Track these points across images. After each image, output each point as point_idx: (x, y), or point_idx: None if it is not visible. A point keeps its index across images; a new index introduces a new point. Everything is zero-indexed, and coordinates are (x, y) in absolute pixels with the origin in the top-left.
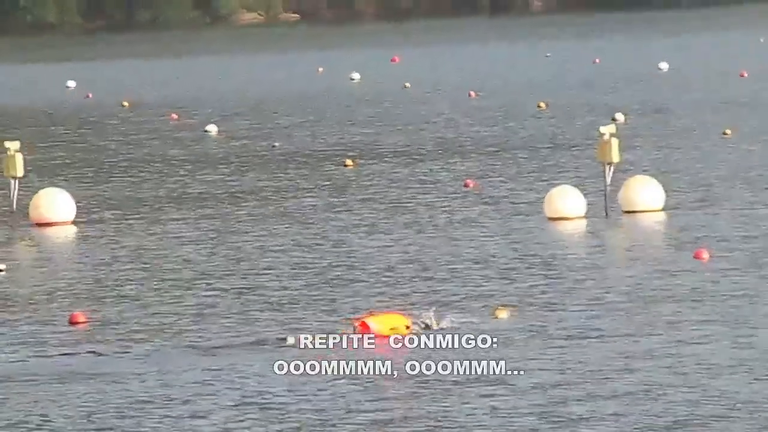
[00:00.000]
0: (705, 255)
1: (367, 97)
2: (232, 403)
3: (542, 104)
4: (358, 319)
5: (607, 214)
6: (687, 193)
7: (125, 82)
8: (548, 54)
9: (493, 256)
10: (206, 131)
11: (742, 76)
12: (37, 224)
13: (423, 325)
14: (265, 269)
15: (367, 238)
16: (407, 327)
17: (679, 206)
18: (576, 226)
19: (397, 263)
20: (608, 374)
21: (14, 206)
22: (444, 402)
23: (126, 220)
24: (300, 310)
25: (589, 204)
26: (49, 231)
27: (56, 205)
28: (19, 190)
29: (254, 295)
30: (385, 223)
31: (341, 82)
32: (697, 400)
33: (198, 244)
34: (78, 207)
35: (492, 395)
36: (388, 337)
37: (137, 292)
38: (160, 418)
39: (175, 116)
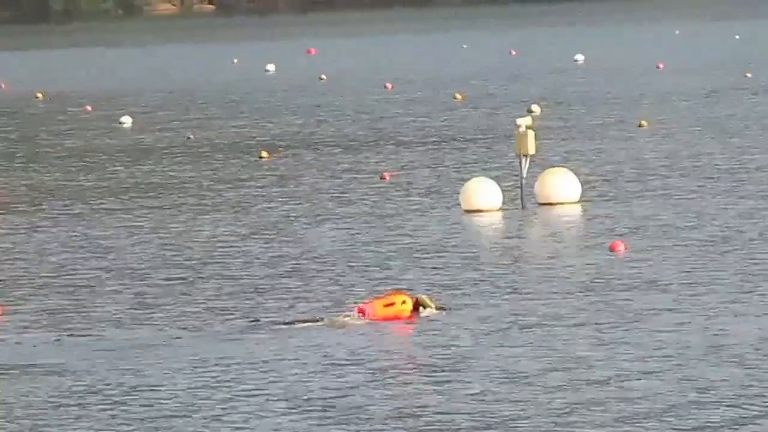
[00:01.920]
0: (621, 247)
1: (283, 88)
2: (190, 387)
3: (458, 96)
4: (359, 307)
5: (523, 206)
6: (603, 184)
7: (39, 73)
8: (465, 45)
9: (420, 248)
10: (121, 123)
11: (658, 68)
12: None
13: (423, 306)
14: (215, 259)
15: (311, 227)
16: (404, 302)
17: (596, 198)
18: (493, 219)
19: (353, 254)
20: (588, 361)
21: None
22: (411, 388)
23: (65, 210)
24: (256, 299)
25: (505, 196)
26: None
27: None
28: None
29: (209, 284)
30: (319, 213)
31: (257, 74)
32: (673, 387)
33: (144, 234)
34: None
35: (470, 382)
36: (385, 317)
37: (86, 282)
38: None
39: (89, 108)
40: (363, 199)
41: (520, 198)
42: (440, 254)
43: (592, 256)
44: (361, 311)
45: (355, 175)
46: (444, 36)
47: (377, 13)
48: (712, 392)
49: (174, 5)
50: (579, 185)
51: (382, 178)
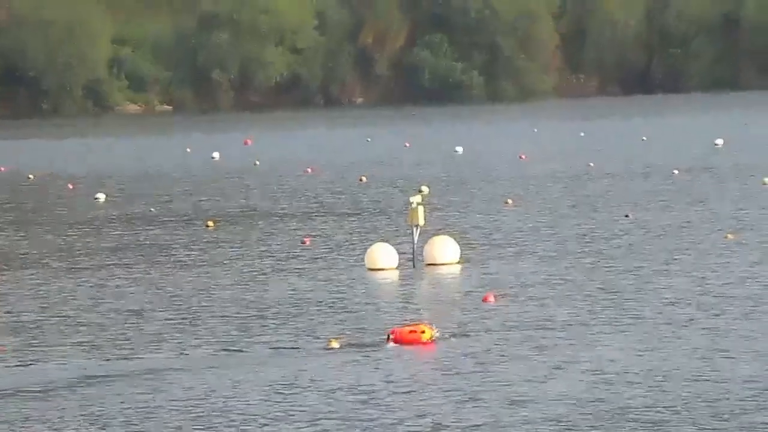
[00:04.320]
0: (491, 299)
1: (226, 171)
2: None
3: (363, 178)
4: (392, 330)
5: (414, 266)
6: (478, 248)
7: (31, 158)
8: (368, 139)
9: (328, 299)
10: (96, 198)
11: (521, 158)
12: None
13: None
14: (210, 301)
15: (274, 279)
16: (423, 332)
17: (472, 259)
18: (391, 276)
19: (311, 300)
20: (517, 382)
21: None
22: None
23: (76, 265)
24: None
25: (400, 258)
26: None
27: None
28: None
29: (210, 322)
30: (270, 270)
31: (205, 160)
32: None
33: (147, 283)
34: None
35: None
36: (411, 341)
37: (107, 320)
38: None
39: (71, 186)
40: (291, 258)
41: (412, 259)
42: (347, 303)
43: (479, 305)
44: (394, 333)
45: (284, 240)
46: (352, 131)
47: (299, 113)
48: (628, 374)
49: (139, 106)
50: (458, 249)
51: (302, 242)
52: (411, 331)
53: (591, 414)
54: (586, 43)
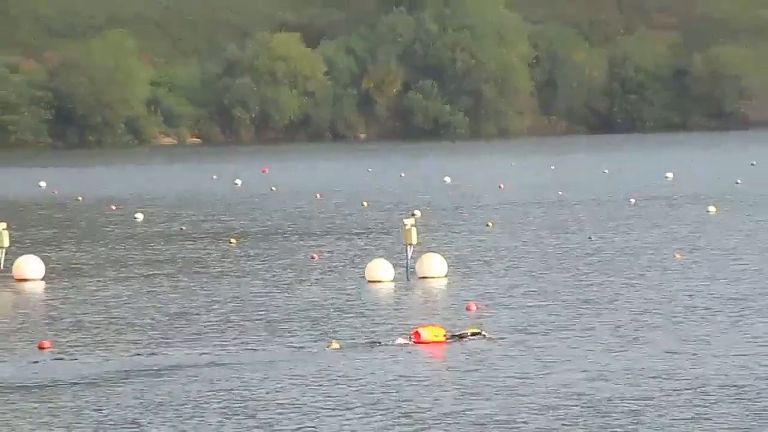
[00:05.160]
0: (473, 307)
1: (245, 196)
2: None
3: (365, 203)
4: (414, 330)
5: (408, 279)
6: (463, 264)
7: (79, 183)
8: (370, 169)
9: (340, 306)
10: (135, 217)
11: (500, 187)
12: (18, 280)
13: (457, 335)
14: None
15: (290, 289)
16: (444, 335)
17: (458, 273)
18: (388, 287)
19: (331, 307)
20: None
21: (1, 266)
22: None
23: (124, 274)
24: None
25: (396, 272)
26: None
27: (31, 266)
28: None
29: (248, 322)
30: (289, 280)
31: (228, 186)
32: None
33: (191, 289)
34: (75, 267)
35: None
36: (433, 342)
37: (158, 322)
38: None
39: (113, 207)
40: (304, 271)
41: (406, 273)
42: (352, 310)
43: (464, 313)
44: (417, 334)
45: (298, 255)
46: (356, 162)
47: (310, 147)
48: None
49: (172, 138)
50: (446, 264)
51: (312, 258)
52: (436, 334)
53: (577, 405)
54: (557, 90)
